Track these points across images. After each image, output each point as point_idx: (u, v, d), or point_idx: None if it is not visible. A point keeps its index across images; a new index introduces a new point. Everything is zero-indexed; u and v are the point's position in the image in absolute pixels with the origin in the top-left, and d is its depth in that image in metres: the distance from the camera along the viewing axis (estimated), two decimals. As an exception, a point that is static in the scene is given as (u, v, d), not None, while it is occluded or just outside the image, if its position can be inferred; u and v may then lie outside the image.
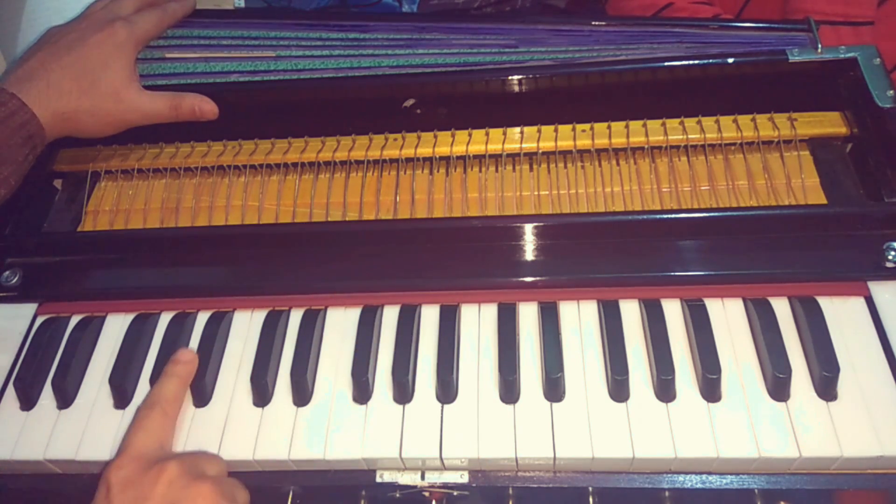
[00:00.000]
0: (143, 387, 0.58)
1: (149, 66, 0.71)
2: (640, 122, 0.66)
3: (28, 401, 0.58)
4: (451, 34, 0.71)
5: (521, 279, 0.59)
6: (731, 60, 0.66)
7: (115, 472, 0.49)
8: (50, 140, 0.64)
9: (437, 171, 0.68)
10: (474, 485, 0.54)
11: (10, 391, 0.59)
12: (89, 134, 0.66)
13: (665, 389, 0.53)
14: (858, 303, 0.56)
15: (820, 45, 0.65)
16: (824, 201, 0.62)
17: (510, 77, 0.68)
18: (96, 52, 0.65)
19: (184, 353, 0.57)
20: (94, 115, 0.65)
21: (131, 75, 0.67)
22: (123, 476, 0.49)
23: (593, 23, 0.71)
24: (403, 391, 0.55)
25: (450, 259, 0.61)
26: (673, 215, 0.61)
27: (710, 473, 0.53)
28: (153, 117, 0.67)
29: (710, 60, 0.66)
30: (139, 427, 0.53)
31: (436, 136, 0.68)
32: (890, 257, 0.56)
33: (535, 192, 0.66)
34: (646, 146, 0.65)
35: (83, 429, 0.57)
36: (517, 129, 0.67)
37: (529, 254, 0.60)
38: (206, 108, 0.69)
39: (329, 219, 0.66)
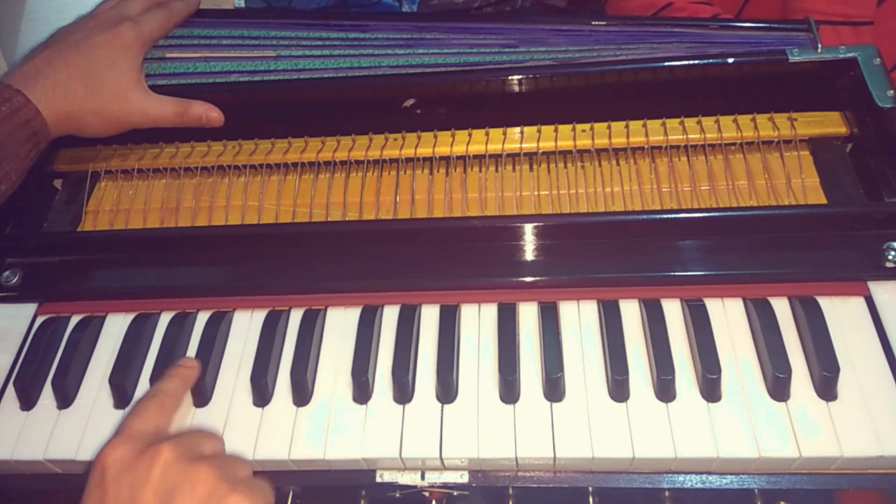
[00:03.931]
0: (143, 387, 0.58)
1: (149, 65, 0.71)
2: (640, 122, 0.66)
3: (28, 401, 0.58)
4: (450, 34, 0.71)
5: (521, 279, 0.59)
6: (731, 60, 0.66)
7: (109, 453, 0.47)
8: (53, 138, 0.64)
9: (437, 171, 0.68)
10: (474, 485, 0.54)
11: (10, 391, 0.59)
12: (92, 134, 0.66)
13: (665, 389, 0.53)
14: (858, 303, 0.56)
15: (820, 45, 0.65)
16: (824, 201, 0.62)
17: (510, 77, 0.68)
18: (103, 52, 0.64)
19: (188, 361, 0.57)
20: (99, 116, 0.65)
21: (138, 77, 0.66)
22: (118, 458, 0.47)
23: (593, 23, 0.71)
24: (403, 391, 0.55)
25: (450, 259, 0.61)
26: (673, 215, 0.61)
27: (710, 473, 0.53)
28: (158, 121, 0.67)
29: (710, 60, 0.66)
30: (135, 412, 0.52)
31: (436, 136, 0.68)
32: (890, 257, 0.56)
33: (535, 192, 0.66)
34: (646, 146, 0.65)
35: (83, 429, 0.57)
36: (517, 129, 0.67)
37: (529, 254, 0.60)
38: (213, 116, 0.69)
39: (329, 219, 0.66)
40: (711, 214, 0.61)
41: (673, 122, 0.66)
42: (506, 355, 0.55)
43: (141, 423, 0.51)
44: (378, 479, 0.55)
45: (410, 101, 0.70)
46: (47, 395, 0.59)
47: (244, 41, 0.73)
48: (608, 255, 0.59)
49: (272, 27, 0.74)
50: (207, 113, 0.68)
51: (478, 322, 0.59)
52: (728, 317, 0.56)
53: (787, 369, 0.52)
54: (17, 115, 0.59)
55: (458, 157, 0.67)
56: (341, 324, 0.59)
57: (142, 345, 0.60)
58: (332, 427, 0.54)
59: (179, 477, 0.46)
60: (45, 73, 0.62)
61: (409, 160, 0.68)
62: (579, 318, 0.58)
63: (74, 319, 0.62)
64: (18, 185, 0.62)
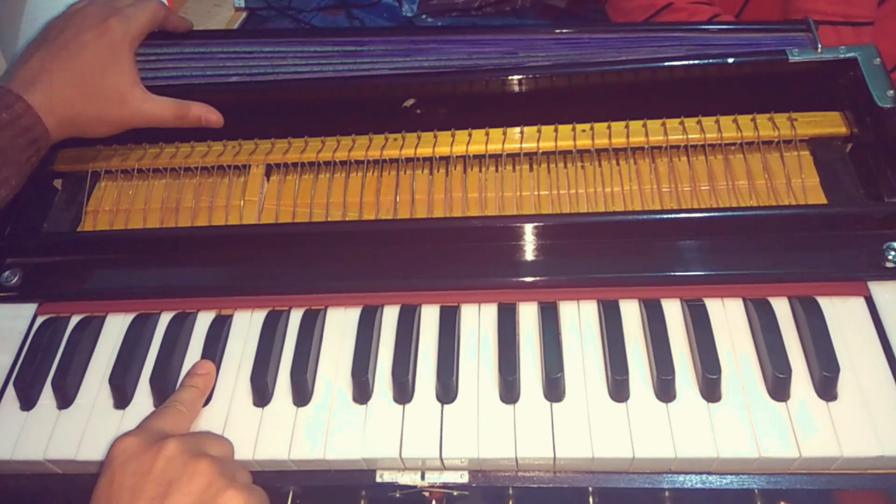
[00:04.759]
0: (143, 387, 0.58)
1: (146, 72, 0.70)
2: (640, 122, 0.66)
3: (28, 401, 0.58)
4: (448, 45, 0.71)
5: (521, 279, 0.59)
6: (731, 60, 0.66)
7: (119, 443, 0.50)
8: (54, 142, 0.64)
9: (437, 171, 0.68)
10: (474, 485, 0.54)
11: (10, 391, 0.59)
12: (93, 136, 0.66)
13: (665, 389, 0.53)
14: (858, 303, 0.56)
15: (820, 45, 0.65)
16: (824, 201, 0.62)
17: (510, 77, 0.68)
18: (92, 53, 0.64)
19: (201, 366, 0.58)
20: (98, 120, 0.64)
21: (133, 79, 0.66)
22: (126, 447, 0.49)
23: (592, 31, 0.70)
24: (403, 391, 0.55)
25: (450, 259, 0.61)
26: (673, 215, 0.61)
27: (710, 473, 0.53)
28: (157, 123, 0.67)
29: (711, 60, 0.66)
30: (153, 415, 0.54)
31: (436, 136, 0.68)
32: (890, 257, 0.56)
33: (535, 192, 0.66)
34: (646, 146, 0.65)
35: (83, 429, 0.57)
36: (517, 129, 0.67)
37: (529, 254, 0.60)
38: (211, 118, 0.69)
39: (329, 219, 0.66)
40: (711, 214, 0.61)
41: (673, 122, 0.66)
42: (506, 355, 0.55)
43: (156, 422, 0.53)
44: (378, 479, 0.55)
45: (410, 102, 0.70)
46: (47, 395, 0.58)
47: (238, 55, 0.72)
48: (608, 255, 0.59)
49: (267, 45, 0.72)
50: (206, 115, 0.68)
51: (478, 322, 0.59)
52: (728, 317, 0.56)
53: (787, 369, 0.52)
54: (19, 121, 0.59)
55: (458, 157, 0.67)
56: (341, 324, 0.59)
57: (142, 345, 0.60)
58: (332, 427, 0.54)
59: (179, 469, 0.48)
60: (42, 78, 0.62)
61: (409, 160, 0.68)
62: (579, 318, 0.58)
63: (74, 319, 0.62)
64: (18, 189, 0.61)
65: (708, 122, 0.66)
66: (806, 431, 0.51)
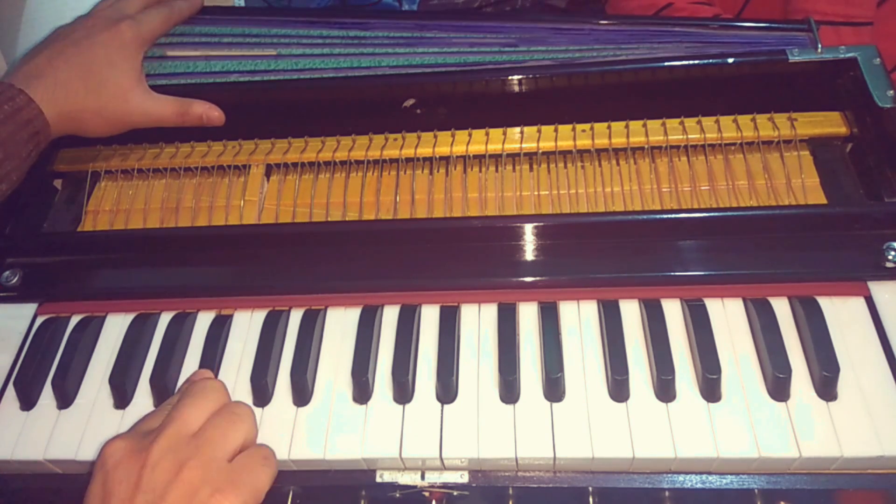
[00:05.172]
0: (143, 387, 0.58)
1: (150, 65, 0.71)
2: (640, 122, 0.66)
3: (28, 401, 0.58)
4: (451, 32, 0.71)
5: (521, 279, 0.59)
6: (731, 60, 0.66)
7: (109, 446, 0.49)
8: (54, 137, 0.64)
9: (437, 171, 0.68)
10: (474, 485, 0.54)
11: (10, 391, 0.59)
12: (93, 133, 0.66)
13: (665, 389, 0.53)
14: (858, 303, 0.56)
15: (820, 45, 0.65)
16: (824, 201, 0.62)
17: (510, 77, 0.68)
18: (102, 51, 0.65)
19: (199, 374, 0.57)
20: (100, 116, 0.65)
21: (138, 76, 0.67)
22: (115, 451, 0.49)
23: (593, 22, 0.71)
24: (403, 391, 0.55)
25: (450, 259, 0.61)
26: (673, 215, 0.61)
27: (710, 473, 0.53)
28: (159, 121, 0.67)
29: (710, 60, 0.66)
30: (147, 417, 0.53)
31: (436, 136, 0.68)
32: (890, 257, 0.56)
33: (535, 192, 0.66)
34: (646, 146, 0.65)
35: (83, 429, 0.57)
36: (517, 129, 0.67)
37: (529, 254, 0.60)
38: (213, 115, 0.69)
39: (329, 219, 0.66)
40: (711, 214, 0.61)
41: (673, 122, 0.66)
42: (506, 355, 0.55)
43: (149, 424, 0.52)
44: (378, 479, 0.55)
45: (410, 101, 0.70)
46: (47, 395, 0.58)
47: (245, 39, 0.73)
48: (608, 255, 0.59)
49: (273, 25, 0.74)
50: (208, 112, 0.69)
51: (478, 322, 0.59)
52: (728, 317, 0.56)
53: (787, 369, 0.52)
54: (20, 114, 0.59)
55: (458, 157, 0.67)
56: (341, 324, 0.59)
57: (142, 345, 0.60)
58: (332, 427, 0.54)
59: (165, 478, 0.47)
60: (47, 73, 0.62)
61: (409, 160, 0.68)
62: (579, 318, 0.58)
63: (74, 319, 0.62)
64: (18, 184, 0.62)
65: (708, 122, 0.66)
66: (806, 431, 0.51)
